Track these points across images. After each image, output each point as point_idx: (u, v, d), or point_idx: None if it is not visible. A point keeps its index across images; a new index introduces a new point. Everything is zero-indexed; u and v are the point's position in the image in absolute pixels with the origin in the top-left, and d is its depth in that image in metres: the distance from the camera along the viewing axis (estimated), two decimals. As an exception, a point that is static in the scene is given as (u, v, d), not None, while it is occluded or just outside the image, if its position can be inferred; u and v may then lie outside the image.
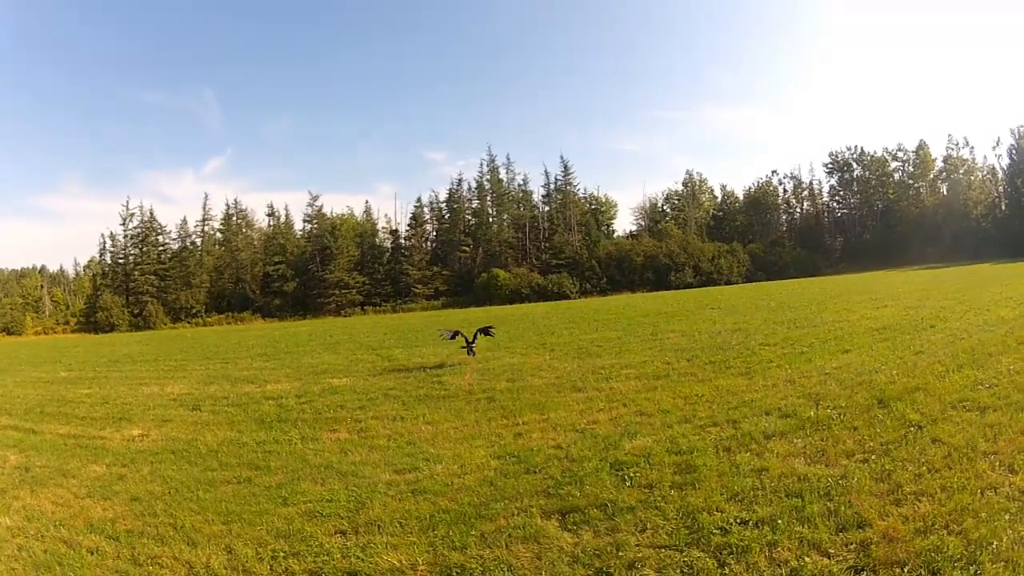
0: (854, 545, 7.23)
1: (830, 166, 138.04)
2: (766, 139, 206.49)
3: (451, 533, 8.52)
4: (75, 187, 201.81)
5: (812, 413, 12.58)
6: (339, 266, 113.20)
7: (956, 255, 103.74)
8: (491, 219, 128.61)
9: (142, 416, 18.78)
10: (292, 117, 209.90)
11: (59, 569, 8.43)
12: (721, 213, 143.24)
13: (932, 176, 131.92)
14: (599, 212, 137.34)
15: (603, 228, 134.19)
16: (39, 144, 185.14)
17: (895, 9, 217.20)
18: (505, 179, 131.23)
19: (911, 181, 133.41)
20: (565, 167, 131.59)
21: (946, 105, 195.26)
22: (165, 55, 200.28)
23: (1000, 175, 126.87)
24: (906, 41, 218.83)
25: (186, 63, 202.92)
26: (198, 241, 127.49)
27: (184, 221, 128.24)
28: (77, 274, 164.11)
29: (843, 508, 8.02)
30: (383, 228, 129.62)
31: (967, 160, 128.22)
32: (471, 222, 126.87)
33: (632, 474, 10.02)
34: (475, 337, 25.82)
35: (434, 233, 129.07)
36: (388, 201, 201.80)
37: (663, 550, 7.55)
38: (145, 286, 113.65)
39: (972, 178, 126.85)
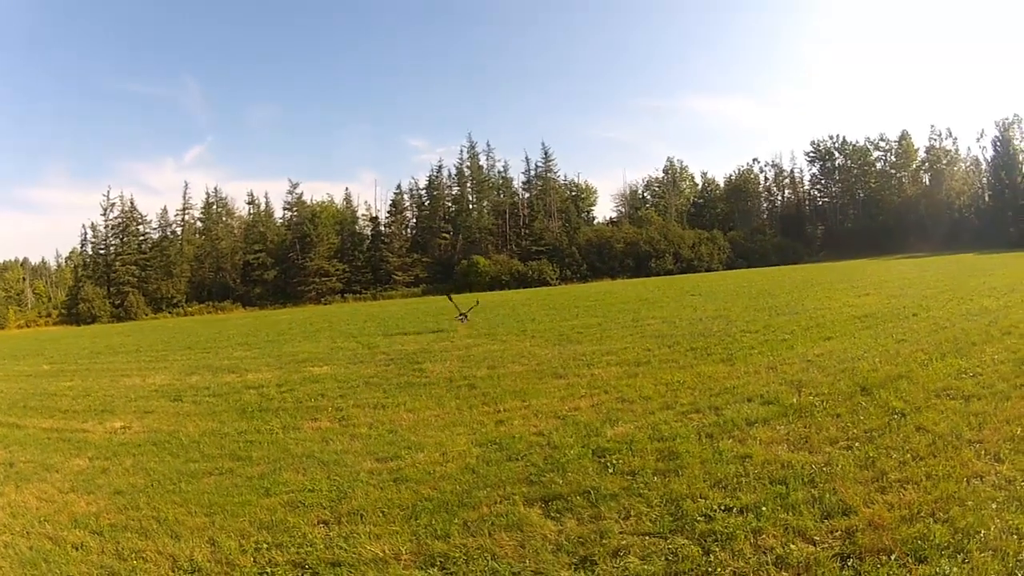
0: (839, 532, 7.18)
1: (812, 155, 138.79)
2: (748, 127, 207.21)
3: (434, 522, 8.46)
4: (58, 178, 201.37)
5: (795, 400, 12.56)
6: (319, 254, 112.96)
7: (939, 245, 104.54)
8: (471, 206, 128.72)
9: (124, 408, 18.66)
10: (273, 105, 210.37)
11: (45, 566, 8.33)
12: (702, 200, 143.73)
13: (915, 166, 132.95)
14: (579, 199, 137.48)
15: (583, 215, 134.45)
16: (21, 135, 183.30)
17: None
18: (485, 166, 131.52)
19: (893, 171, 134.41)
20: (546, 154, 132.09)
21: (930, 97, 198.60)
22: (146, 43, 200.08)
23: (984, 166, 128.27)
24: (891, 32, 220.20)
25: (167, 51, 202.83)
26: (178, 231, 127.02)
27: (165, 211, 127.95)
28: (59, 266, 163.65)
29: (828, 495, 7.99)
30: (363, 216, 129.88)
31: (950, 151, 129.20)
32: (451, 209, 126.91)
33: (614, 461, 9.97)
34: (470, 309, 29.68)
35: (414, 220, 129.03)
36: (369, 188, 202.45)
37: (647, 537, 7.50)
38: (126, 277, 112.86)
39: (955, 169, 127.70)
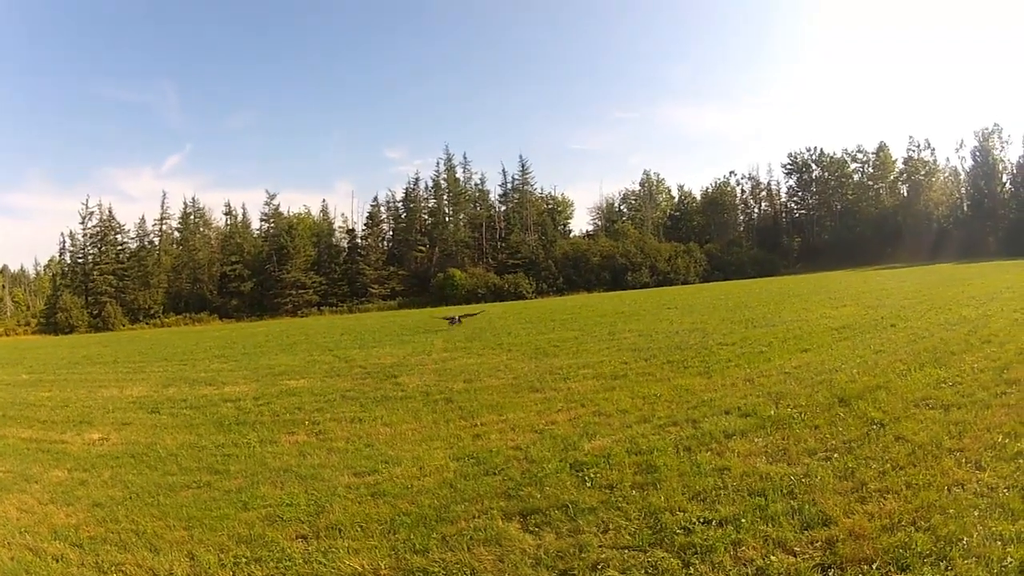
0: (820, 543, 7.20)
1: (789, 167, 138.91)
2: (725, 140, 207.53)
3: (412, 536, 8.41)
4: (36, 183, 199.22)
5: (772, 412, 12.60)
6: (296, 266, 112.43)
7: (917, 256, 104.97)
8: (448, 219, 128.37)
9: (102, 419, 18.56)
10: (251, 114, 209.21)
11: (26, 577, 8.29)
12: (678, 213, 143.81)
13: (892, 177, 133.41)
14: (556, 212, 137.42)
15: (560, 228, 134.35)
16: (1, 140, 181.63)
17: (858, 12, 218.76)
18: (462, 178, 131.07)
19: (871, 182, 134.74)
20: (523, 166, 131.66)
21: (909, 108, 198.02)
22: (125, 49, 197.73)
23: (963, 176, 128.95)
24: (869, 44, 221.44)
25: (146, 57, 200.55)
26: (156, 240, 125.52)
27: (143, 220, 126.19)
28: (38, 274, 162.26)
29: (807, 506, 8.00)
30: (340, 228, 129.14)
31: (928, 162, 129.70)
32: (427, 222, 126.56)
33: (592, 475, 9.95)
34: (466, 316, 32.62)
35: (391, 232, 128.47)
36: (345, 199, 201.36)
37: (626, 551, 7.47)
38: (104, 286, 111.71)
39: (934, 179, 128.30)
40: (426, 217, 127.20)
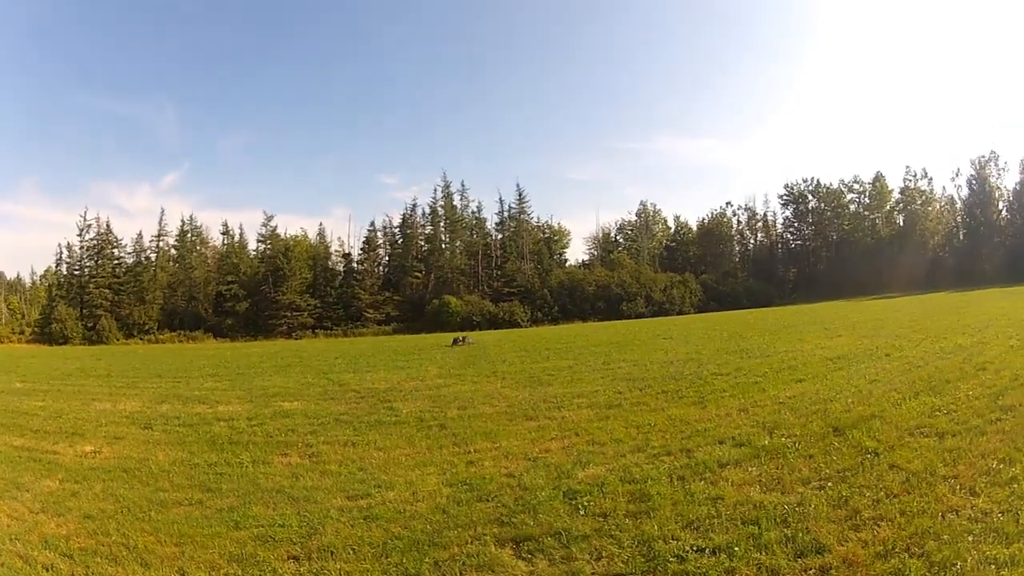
0: (813, 570, 7.23)
1: (785, 198, 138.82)
2: (722, 170, 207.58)
3: (404, 561, 8.40)
4: (33, 194, 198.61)
5: (766, 442, 12.61)
6: (291, 288, 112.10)
7: (912, 285, 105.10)
8: (444, 245, 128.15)
9: (95, 432, 18.61)
10: (249, 135, 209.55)
11: (16, 585, 8.27)
12: (674, 243, 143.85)
13: (888, 207, 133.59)
14: (552, 241, 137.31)
15: (555, 257, 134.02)
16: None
17: (855, 43, 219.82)
18: (459, 205, 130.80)
19: (867, 212, 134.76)
20: (520, 195, 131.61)
21: (906, 139, 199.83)
22: (122, 62, 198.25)
23: (959, 205, 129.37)
24: (867, 75, 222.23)
25: (146, 74, 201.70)
26: (152, 256, 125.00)
27: (140, 235, 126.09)
28: (34, 283, 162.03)
29: (801, 534, 8.02)
30: (336, 251, 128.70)
31: (924, 191, 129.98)
32: (424, 248, 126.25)
33: (586, 503, 9.95)
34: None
35: (386, 258, 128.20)
36: (342, 223, 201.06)
37: (619, 578, 7.42)
38: (99, 300, 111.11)
39: (929, 209, 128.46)
40: (422, 243, 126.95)
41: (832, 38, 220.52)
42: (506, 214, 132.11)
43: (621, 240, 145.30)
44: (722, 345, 34.24)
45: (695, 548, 8.00)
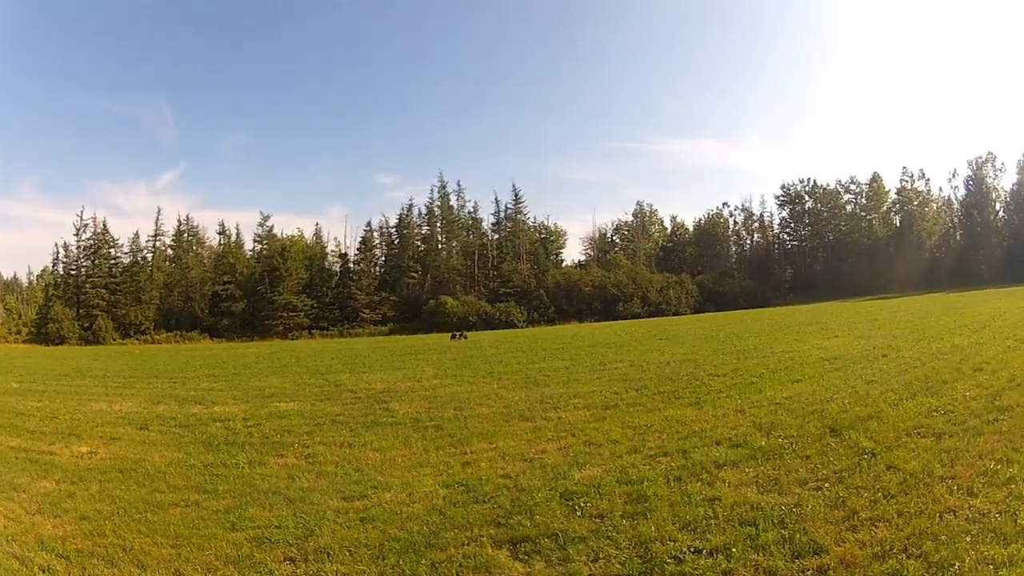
0: (811, 571, 7.24)
1: (782, 198, 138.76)
2: (719, 171, 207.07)
3: (401, 562, 8.38)
4: (30, 193, 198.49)
5: (763, 442, 12.61)
6: (288, 288, 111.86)
7: (909, 285, 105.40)
8: (440, 246, 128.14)
9: (91, 433, 18.57)
10: (247, 135, 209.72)
11: (13, 586, 8.25)
12: (671, 244, 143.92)
13: (885, 208, 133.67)
14: (548, 241, 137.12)
15: (552, 257, 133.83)
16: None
17: (853, 44, 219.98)
18: (455, 206, 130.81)
19: (863, 213, 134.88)
20: (516, 195, 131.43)
21: (903, 139, 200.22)
22: (120, 62, 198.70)
23: (956, 206, 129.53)
24: (863, 75, 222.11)
25: (144, 74, 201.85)
26: (149, 256, 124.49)
27: (136, 235, 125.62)
28: (30, 283, 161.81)
29: (798, 535, 8.02)
30: (332, 251, 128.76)
31: (921, 191, 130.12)
32: (420, 248, 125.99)
33: (583, 504, 9.93)
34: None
35: (383, 258, 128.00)
36: (339, 223, 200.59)
37: (617, 580, 7.41)
38: (96, 300, 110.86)
39: (926, 209, 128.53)
40: (419, 244, 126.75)
41: (830, 40, 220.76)
42: (502, 214, 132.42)
43: (618, 240, 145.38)
44: (718, 346, 34.28)
45: (692, 549, 7.99)
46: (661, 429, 14.86)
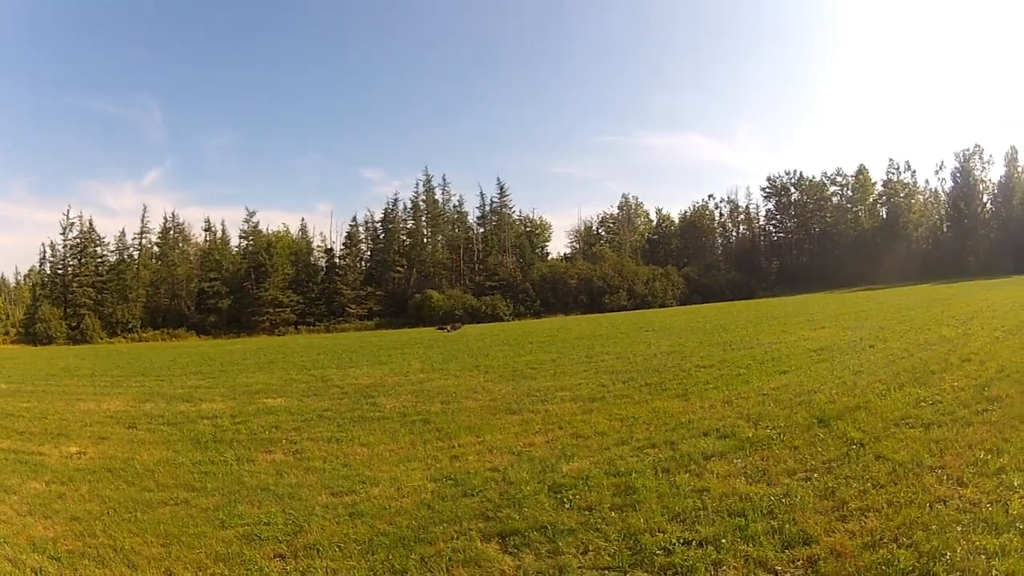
0: (801, 562, 7.22)
1: (768, 190, 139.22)
2: (704, 164, 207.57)
3: (391, 557, 8.36)
4: (18, 192, 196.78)
5: (751, 433, 12.63)
6: (274, 284, 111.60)
7: (896, 277, 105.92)
8: (426, 240, 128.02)
9: (79, 433, 18.47)
10: (231, 132, 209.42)
11: (5, 589, 8.23)
12: (656, 236, 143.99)
13: (871, 200, 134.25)
14: (534, 235, 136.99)
15: (537, 250, 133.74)
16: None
17: (839, 38, 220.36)
18: (441, 200, 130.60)
19: (849, 205, 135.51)
20: (501, 189, 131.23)
21: (889, 132, 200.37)
22: (108, 62, 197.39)
23: (943, 198, 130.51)
24: (849, 68, 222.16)
25: (132, 73, 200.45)
26: (135, 254, 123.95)
27: (123, 233, 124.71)
28: (18, 283, 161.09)
29: (788, 526, 8.02)
30: (318, 247, 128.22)
31: (908, 184, 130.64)
32: (406, 243, 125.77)
33: (571, 496, 9.92)
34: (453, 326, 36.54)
35: (369, 253, 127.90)
36: (324, 219, 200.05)
37: (606, 572, 7.47)
38: (83, 299, 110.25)
39: (913, 201, 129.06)
40: (404, 238, 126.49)
41: (816, 33, 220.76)
42: (488, 208, 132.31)
43: (603, 233, 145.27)
44: (705, 337, 34.27)
45: (682, 541, 7.98)
46: (648, 421, 14.86)
